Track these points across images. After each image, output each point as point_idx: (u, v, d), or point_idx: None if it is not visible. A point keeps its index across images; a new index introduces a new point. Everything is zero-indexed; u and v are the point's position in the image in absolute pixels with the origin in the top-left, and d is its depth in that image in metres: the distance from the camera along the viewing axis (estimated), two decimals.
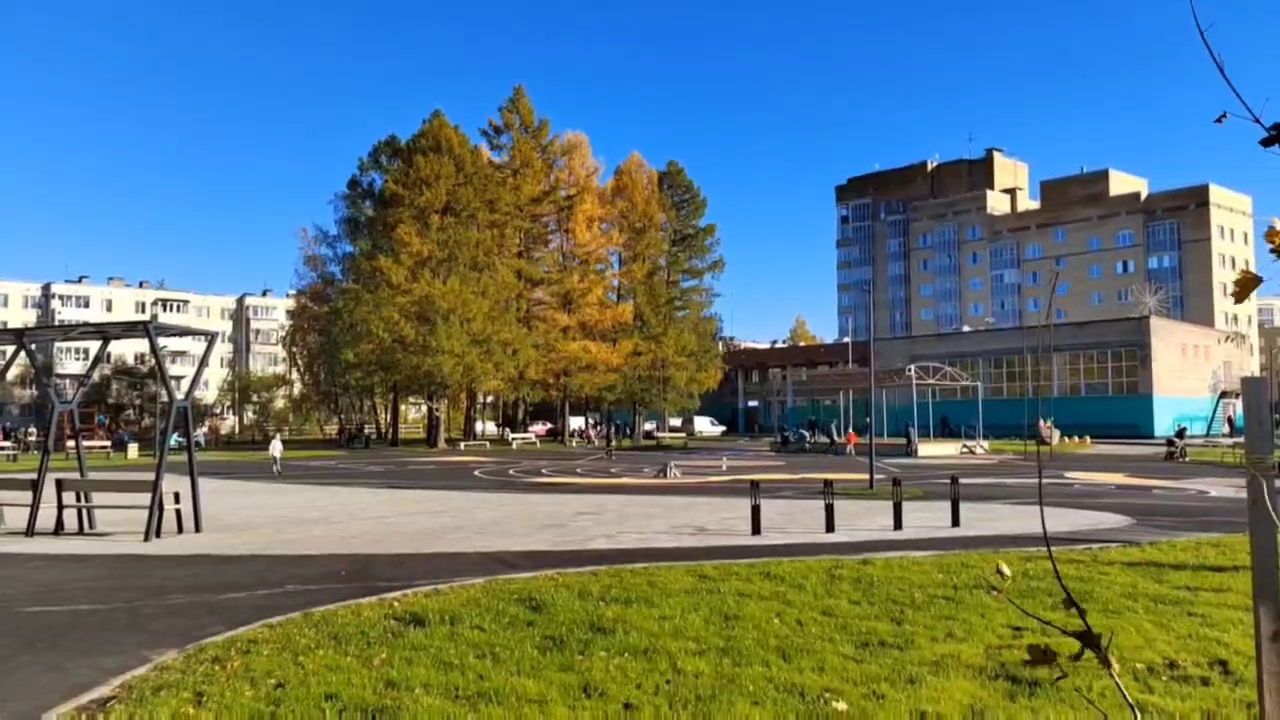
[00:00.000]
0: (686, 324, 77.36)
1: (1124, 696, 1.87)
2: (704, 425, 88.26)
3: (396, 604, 9.90)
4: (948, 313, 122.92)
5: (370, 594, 10.58)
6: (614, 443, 59.79)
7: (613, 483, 30.09)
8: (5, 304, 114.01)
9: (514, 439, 69.44)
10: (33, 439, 64.65)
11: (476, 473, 35.94)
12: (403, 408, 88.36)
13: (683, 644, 8.10)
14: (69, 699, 6.93)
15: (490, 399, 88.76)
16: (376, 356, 62.16)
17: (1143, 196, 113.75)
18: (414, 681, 7.03)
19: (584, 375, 69.94)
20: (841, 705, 6.48)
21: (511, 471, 36.56)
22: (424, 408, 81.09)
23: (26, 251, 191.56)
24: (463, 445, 64.83)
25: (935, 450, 49.53)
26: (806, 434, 56.94)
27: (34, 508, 16.69)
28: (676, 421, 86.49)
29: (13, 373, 78.30)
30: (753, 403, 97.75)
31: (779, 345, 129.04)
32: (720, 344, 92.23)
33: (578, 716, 6.26)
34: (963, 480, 19.66)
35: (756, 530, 15.80)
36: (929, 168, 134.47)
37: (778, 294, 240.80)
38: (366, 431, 79.80)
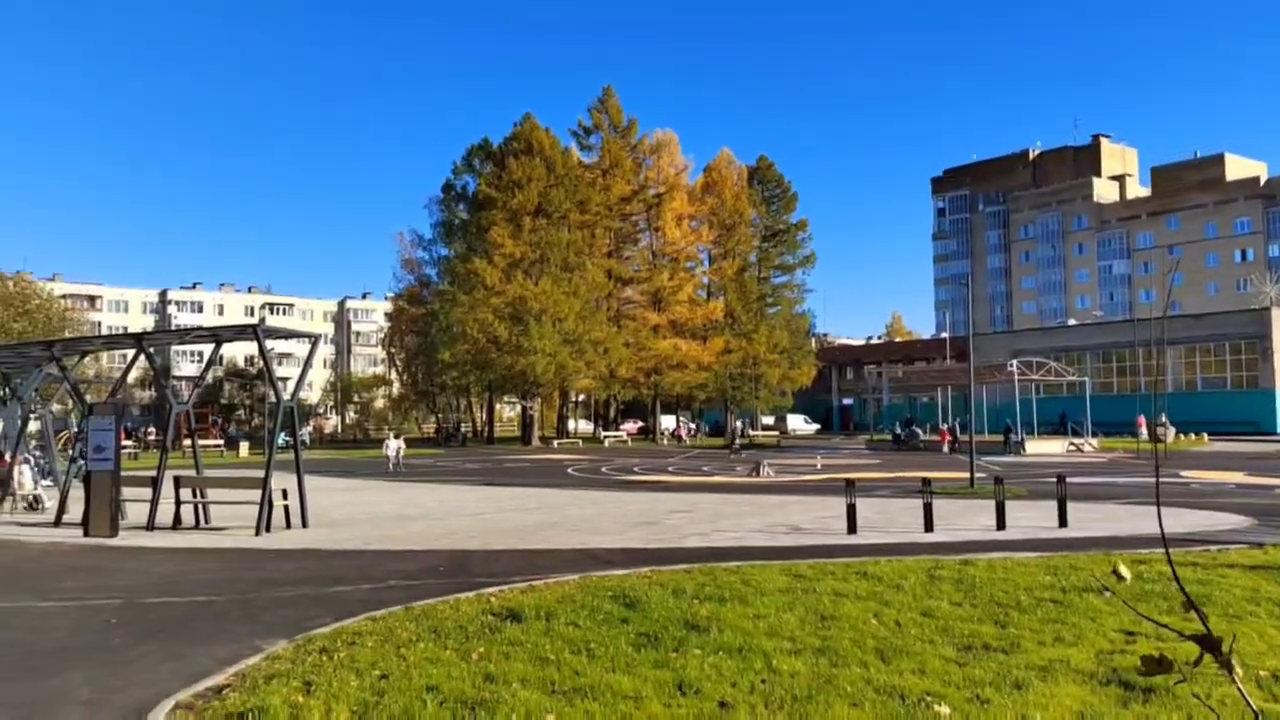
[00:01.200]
0: (778, 320, 76.67)
1: (1248, 703, 1.77)
2: (797, 423, 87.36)
3: (494, 599, 10.02)
4: (1051, 306, 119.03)
5: (468, 589, 10.73)
6: (739, 442, 56.85)
7: (705, 481, 30.04)
8: (125, 310, 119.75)
9: (606, 437, 69.90)
10: (152, 438, 67.76)
11: (570, 470, 36.33)
12: (498, 406, 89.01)
13: (778, 643, 8.02)
14: (187, 686, 7.24)
15: (582, 397, 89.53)
16: (472, 357, 63.07)
17: (1262, 181, 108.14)
18: (511, 676, 7.13)
19: (675, 373, 69.93)
20: (944, 709, 6.32)
21: (604, 469, 36.85)
22: (518, 406, 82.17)
23: (145, 260, 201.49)
24: (556, 443, 65.55)
25: (1040, 448, 48.00)
26: (919, 431, 55.15)
27: (154, 503, 17.54)
28: (769, 420, 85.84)
29: (133, 375, 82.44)
30: (847, 400, 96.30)
31: (874, 341, 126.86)
32: (813, 340, 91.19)
33: (673, 714, 6.26)
34: (1070, 479, 19.00)
35: (852, 529, 15.57)
36: (1030, 156, 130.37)
37: (873, 289, 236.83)
38: (463, 430, 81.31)
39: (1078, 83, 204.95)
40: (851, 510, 15.78)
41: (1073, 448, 48.55)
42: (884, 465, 37.21)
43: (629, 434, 76.26)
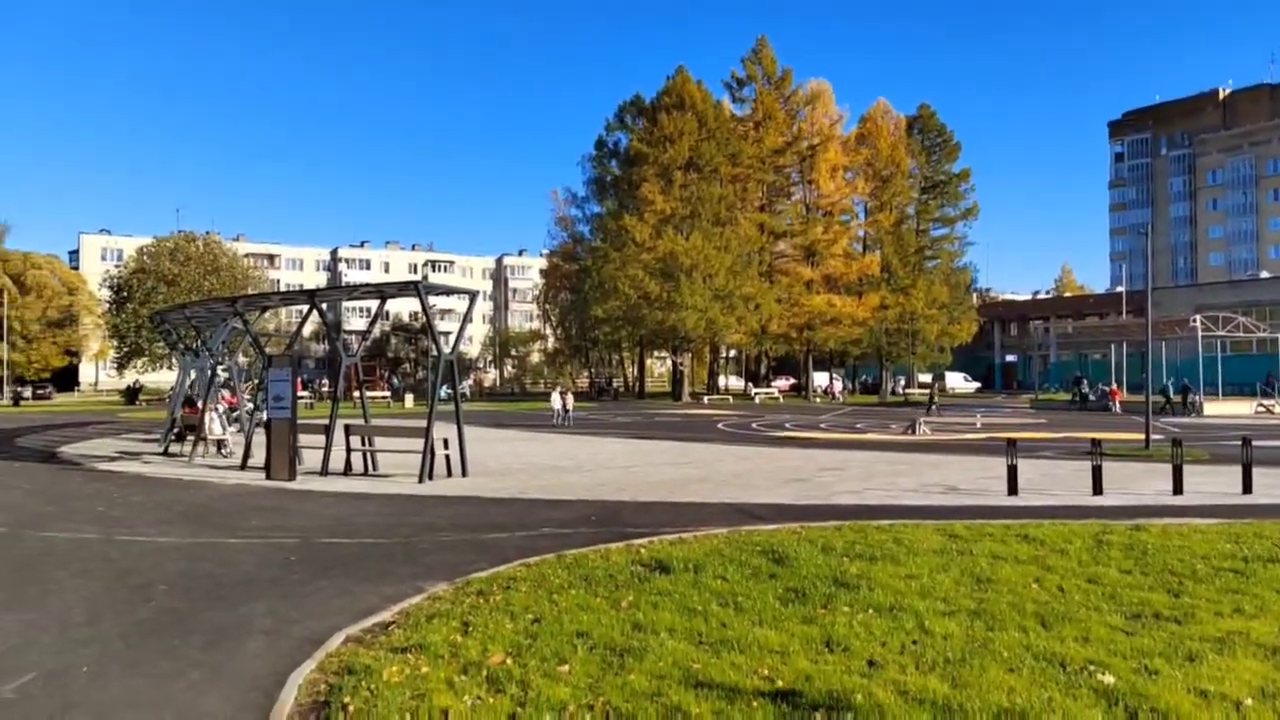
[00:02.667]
0: (937, 275, 73.93)
1: None
2: (956, 381, 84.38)
3: (643, 550, 10.14)
4: (1241, 257, 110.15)
5: (619, 539, 10.88)
6: (936, 401, 49.53)
7: (858, 439, 29.51)
8: (300, 268, 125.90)
9: (756, 393, 69.48)
10: (325, 389, 71.94)
11: (720, 426, 36.37)
12: (648, 361, 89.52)
13: (931, 604, 7.82)
14: (356, 621, 7.70)
15: (733, 353, 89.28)
16: (623, 312, 63.45)
17: None
18: (659, 625, 7.23)
19: (828, 329, 68.63)
20: (1109, 679, 6.02)
21: (754, 425, 36.74)
22: (669, 361, 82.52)
23: (317, 220, 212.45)
24: (706, 399, 65.61)
25: (1224, 409, 44.74)
26: (1106, 389, 51.06)
27: (326, 450, 18.67)
28: (926, 377, 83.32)
29: (307, 329, 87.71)
30: (1011, 357, 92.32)
31: (1041, 296, 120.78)
32: (975, 295, 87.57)
33: (820, 670, 6.21)
34: (1258, 443, 17.62)
35: (1013, 490, 14.97)
36: (1220, 96, 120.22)
37: (1041, 241, 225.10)
38: (614, 384, 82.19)
39: (1275, 12, 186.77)
40: (1013, 471, 15.16)
41: (1261, 409, 45.04)
42: (1049, 425, 35.57)
43: (780, 390, 75.50)
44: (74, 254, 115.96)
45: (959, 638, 6.90)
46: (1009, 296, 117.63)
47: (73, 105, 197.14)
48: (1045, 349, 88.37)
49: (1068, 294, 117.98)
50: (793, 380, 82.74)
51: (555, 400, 39.46)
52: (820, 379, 77.46)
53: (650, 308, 61.98)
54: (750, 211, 70.00)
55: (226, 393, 27.39)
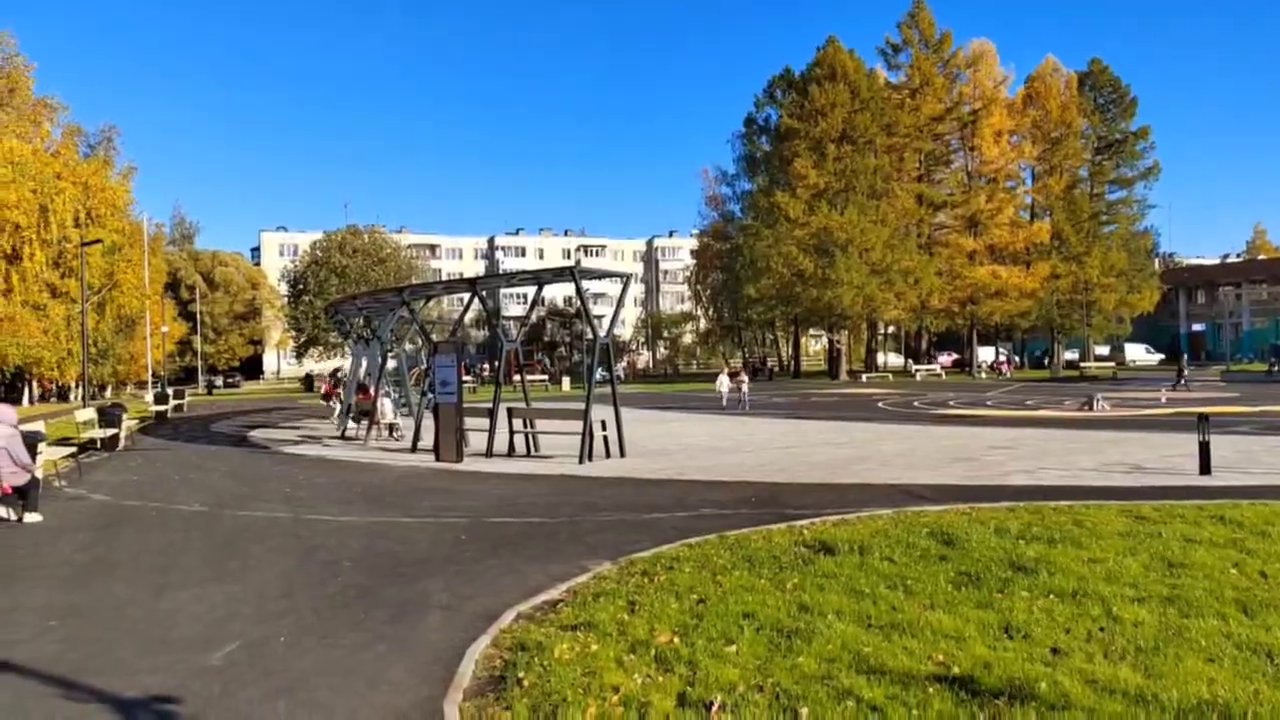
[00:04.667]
0: (1114, 240, 69.69)
1: None
2: (1137, 353, 79.34)
3: (806, 531, 9.97)
4: None
5: (780, 520, 10.70)
6: (1185, 375, 42.27)
7: (1028, 415, 28.20)
8: (460, 257, 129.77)
9: (917, 370, 67.35)
10: (486, 373, 74.41)
11: (880, 404, 35.43)
12: (803, 340, 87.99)
13: (1117, 589, 7.38)
14: (527, 598, 7.93)
15: (891, 329, 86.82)
16: (776, 291, 62.63)
17: None
18: (826, 608, 7.12)
19: (993, 302, 65.84)
20: None
21: (916, 404, 35.62)
22: (824, 339, 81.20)
23: (475, 211, 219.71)
24: (864, 377, 64.13)
25: None
26: None
27: (491, 432, 19.30)
28: (1103, 350, 78.77)
29: (469, 316, 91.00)
30: (1198, 326, 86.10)
31: (1231, 259, 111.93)
32: (1156, 261, 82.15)
33: (999, 656, 5.97)
34: None
35: (1205, 470, 13.93)
36: None
37: (1230, 200, 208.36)
38: (769, 364, 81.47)
39: None
40: (1204, 448, 14.12)
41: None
42: (1243, 399, 32.97)
43: (943, 367, 72.86)
44: (255, 250, 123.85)
45: (1151, 625, 6.49)
46: (1195, 261, 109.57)
47: (251, 109, 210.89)
48: (1236, 317, 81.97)
49: (1262, 256, 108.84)
50: (955, 356, 79.84)
51: (722, 383, 36.29)
52: (985, 354, 74.38)
53: (804, 285, 60.81)
54: (907, 182, 67.83)
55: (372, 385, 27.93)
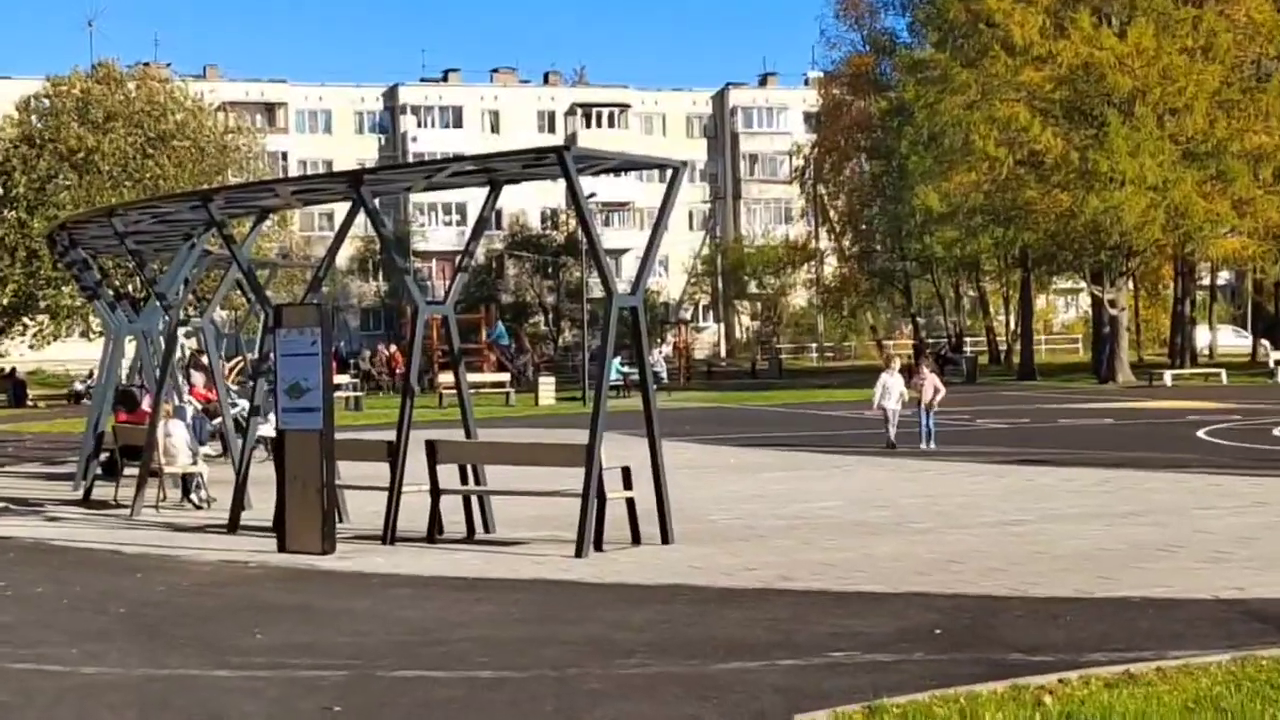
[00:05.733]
0: None
1: None
2: None
3: (1048, 699, 5.71)
4: None
5: (994, 675, 6.15)
6: None
7: None
8: (327, 128, 71.17)
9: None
10: (382, 371, 43.70)
11: (1200, 434, 22.04)
12: (1038, 299, 51.20)
13: None
14: None
15: (1226, 277, 51.57)
16: (985, 196, 36.60)
17: None
18: None
19: None
20: None
21: None
22: (1082, 300, 51.04)
23: (358, 37, 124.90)
24: (1167, 375, 37.20)
25: None
26: None
27: (393, 493, 10.44)
28: None
29: (346, 253, 53.00)
30: None
31: None
32: None
33: None
34: None
35: None
36: None
37: None
38: (965, 349, 49.42)
39: None
40: None
41: None
42: None
43: None
44: None
45: None
46: None
47: None
48: None
49: None
50: None
51: (889, 391, 19.48)
52: None
53: (1042, 184, 36.12)
54: None
55: (198, 380, 17.72)
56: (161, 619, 8.51)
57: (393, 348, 43.83)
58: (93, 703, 6.08)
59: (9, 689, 6.29)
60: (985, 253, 44.16)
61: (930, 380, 19.73)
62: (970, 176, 36.03)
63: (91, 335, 39.73)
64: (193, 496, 13.90)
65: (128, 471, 14.66)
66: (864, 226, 51.47)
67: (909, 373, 20.57)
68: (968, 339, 52.39)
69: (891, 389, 19.21)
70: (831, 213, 54.30)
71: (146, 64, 48.02)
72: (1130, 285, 42.47)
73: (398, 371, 39.45)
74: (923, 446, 18.69)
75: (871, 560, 9.99)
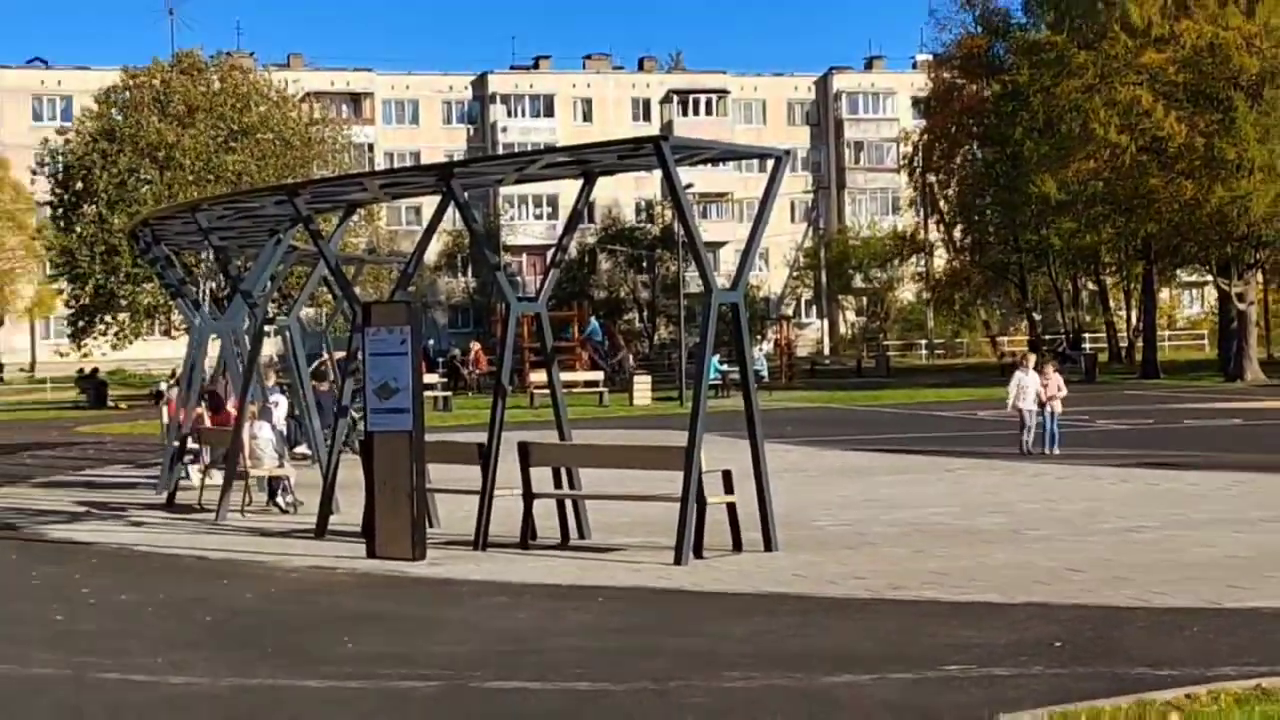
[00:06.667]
0: None
1: None
2: None
3: (1174, 715, 5.51)
4: None
5: (1118, 690, 5.91)
6: None
7: None
8: (414, 118, 69.66)
9: None
10: (473, 368, 41.70)
11: None
12: (1161, 294, 49.70)
13: None
14: None
15: None
16: (1103, 184, 35.56)
17: None
18: None
19: None
20: None
21: None
22: (1207, 291, 48.82)
23: (448, 24, 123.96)
24: None
25: None
26: None
27: (485, 497, 10.33)
28: None
29: (435, 248, 51.64)
30: None
31: None
32: None
33: None
34: None
35: None
36: None
37: None
38: (1083, 346, 47.41)
39: None
40: None
41: None
42: None
43: None
44: None
45: None
46: None
47: None
48: None
49: None
50: None
51: (1024, 390, 18.16)
52: None
53: (1165, 172, 34.60)
54: None
55: (276, 396, 16.39)
56: (249, 627, 8.33)
57: (476, 346, 43.00)
58: (181, 714, 5.94)
59: (96, 700, 6.18)
60: (1105, 244, 42.42)
61: (1055, 380, 18.71)
62: (1089, 164, 35.28)
63: (174, 333, 38.95)
64: (279, 500, 13.59)
65: (212, 470, 14.45)
66: (976, 217, 48.91)
67: (1043, 369, 19.31)
68: (1086, 335, 50.53)
69: (1028, 388, 18.11)
70: (941, 202, 51.55)
71: (229, 53, 46.41)
72: (1259, 278, 40.42)
73: (478, 371, 39.57)
74: (1045, 450, 17.77)
75: (987, 568, 9.59)
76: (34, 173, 46.30)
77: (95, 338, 42.85)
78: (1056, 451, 17.76)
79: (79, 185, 41.44)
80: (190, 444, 15.01)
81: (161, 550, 11.79)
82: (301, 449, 15.78)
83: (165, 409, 17.83)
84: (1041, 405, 18.02)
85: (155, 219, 17.25)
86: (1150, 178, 34.44)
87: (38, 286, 52.79)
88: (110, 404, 39.96)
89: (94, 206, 40.16)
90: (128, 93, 42.31)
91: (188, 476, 14.87)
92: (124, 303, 41.08)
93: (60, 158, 43.26)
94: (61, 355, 47.54)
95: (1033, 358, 21.07)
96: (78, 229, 40.59)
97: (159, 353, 45.34)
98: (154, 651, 7.38)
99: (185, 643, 7.72)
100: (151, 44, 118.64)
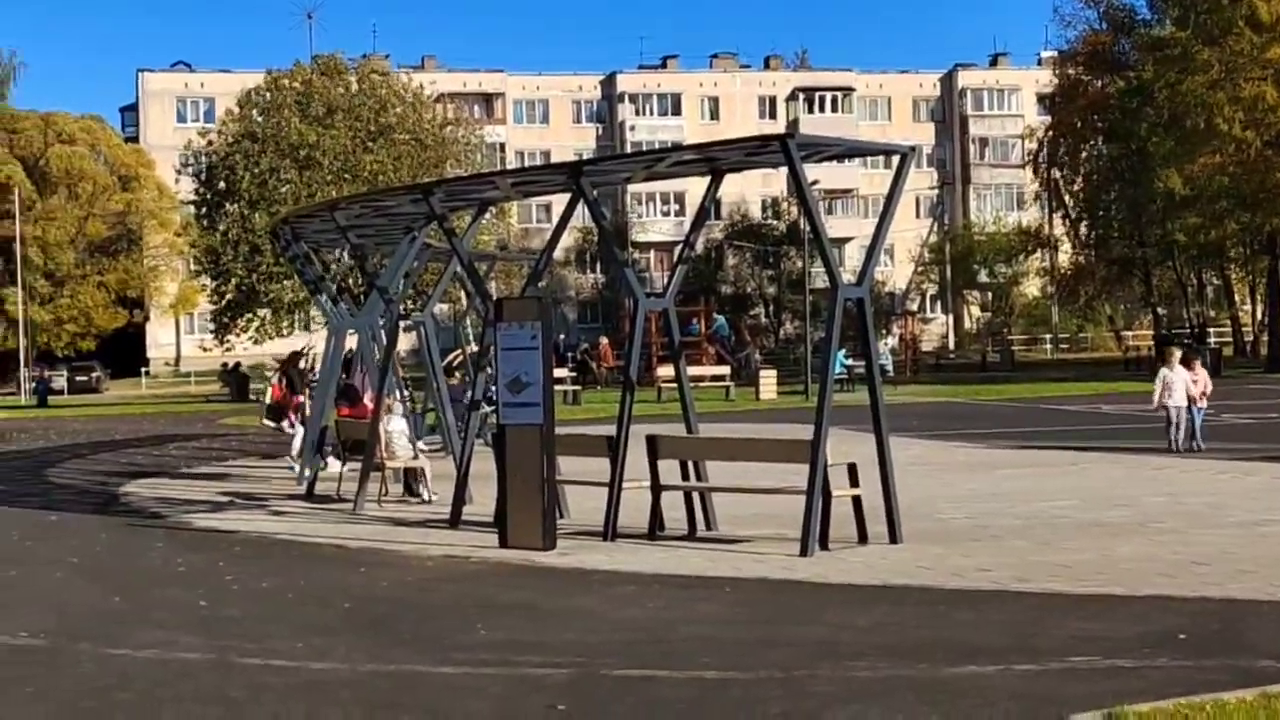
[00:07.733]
0: None
1: None
2: None
3: None
4: None
5: (1243, 683, 5.79)
6: None
7: None
8: (544, 117, 71.49)
9: None
10: (603, 364, 42.00)
11: None
12: None
13: None
14: None
15: None
16: (1228, 179, 35.03)
17: None
18: None
19: None
20: None
21: None
22: None
23: (577, 26, 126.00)
24: None
25: None
26: None
27: (614, 489, 10.19)
28: None
29: (565, 244, 49.67)
30: None
31: None
32: None
33: None
34: None
35: None
36: None
37: None
38: (1209, 340, 45.57)
39: None
40: None
41: None
42: None
43: None
44: (129, 111, 68.65)
45: None
46: None
47: None
48: None
49: None
50: None
51: (1171, 387, 17.21)
52: None
53: None
54: None
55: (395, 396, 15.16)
56: (386, 614, 8.38)
57: (604, 341, 43.07)
58: (321, 699, 5.97)
59: (238, 684, 6.28)
60: (1230, 239, 41.24)
61: (1204, 376, 18.11)
62: (1214, 159, 34.32)
63: (313, 326, 37.83)
64: (416, 491, 13.68)
65: (347, 463, 14.57)
66: (1101, 212, 48.21)
67: (1189, 364, 18.38)
68: (1211, 329, 49.61)
69: (1174, 384, 17.34)
70: (1066, 198, 50.47)
71: (366, 55, 47.73)
72: None
73: (606, 366, 39.66)
74: (1192, 444, 17.13)
75: (1112, 561, 9.36)
76: (178, 173, 47.59)
77: (238, 333, 43.73)
78: (1204, 446, 17.07)
79: (222, 185, 42.31)
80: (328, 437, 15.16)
81: (302, 539, 12.00)
82: (420, 443, 15.52)
83: (270, 390, 18.41)
84: (1191, 401, 17.26)
85: (295, 218, 17.56)
86: (1276, 172, 34.23)
87: (181, 283, 54.08)
88: (252, 397, 39.68)
89: (236, 206, 40.82)
90: (269, 94, 42.97)
91: (326, 467, 15.07)
92: (265, 299, 41.72)
93: (204, 158, 44.30)
94: (205, 350, 48.79)
95: (1177, 353, 20.02)
96: (221, 228, 41.19)
97: (299, 348, 47.14)
98: (294, 637, 7.52)
99: (324, 629, 7.86)
100: (290, 48, 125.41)
